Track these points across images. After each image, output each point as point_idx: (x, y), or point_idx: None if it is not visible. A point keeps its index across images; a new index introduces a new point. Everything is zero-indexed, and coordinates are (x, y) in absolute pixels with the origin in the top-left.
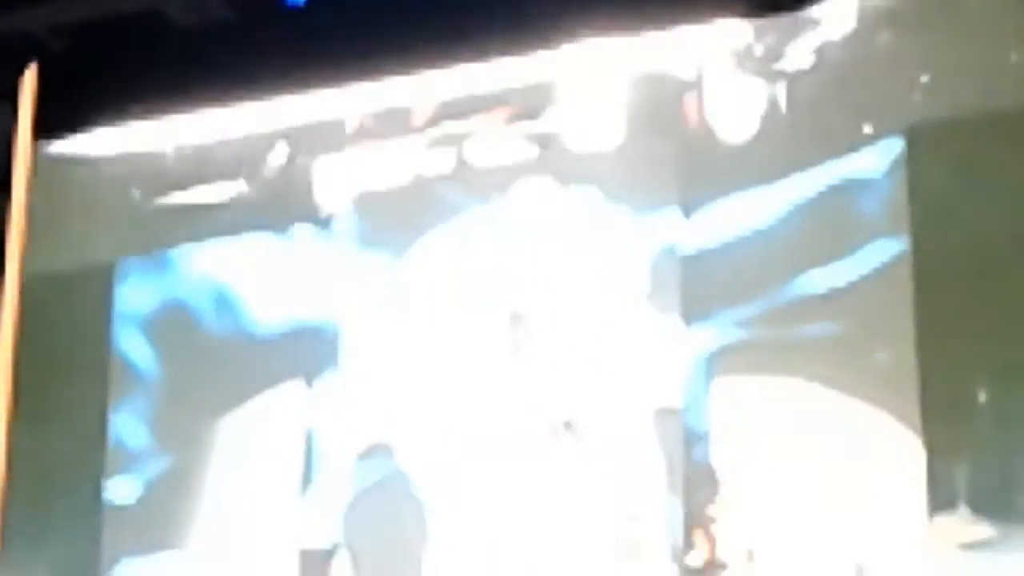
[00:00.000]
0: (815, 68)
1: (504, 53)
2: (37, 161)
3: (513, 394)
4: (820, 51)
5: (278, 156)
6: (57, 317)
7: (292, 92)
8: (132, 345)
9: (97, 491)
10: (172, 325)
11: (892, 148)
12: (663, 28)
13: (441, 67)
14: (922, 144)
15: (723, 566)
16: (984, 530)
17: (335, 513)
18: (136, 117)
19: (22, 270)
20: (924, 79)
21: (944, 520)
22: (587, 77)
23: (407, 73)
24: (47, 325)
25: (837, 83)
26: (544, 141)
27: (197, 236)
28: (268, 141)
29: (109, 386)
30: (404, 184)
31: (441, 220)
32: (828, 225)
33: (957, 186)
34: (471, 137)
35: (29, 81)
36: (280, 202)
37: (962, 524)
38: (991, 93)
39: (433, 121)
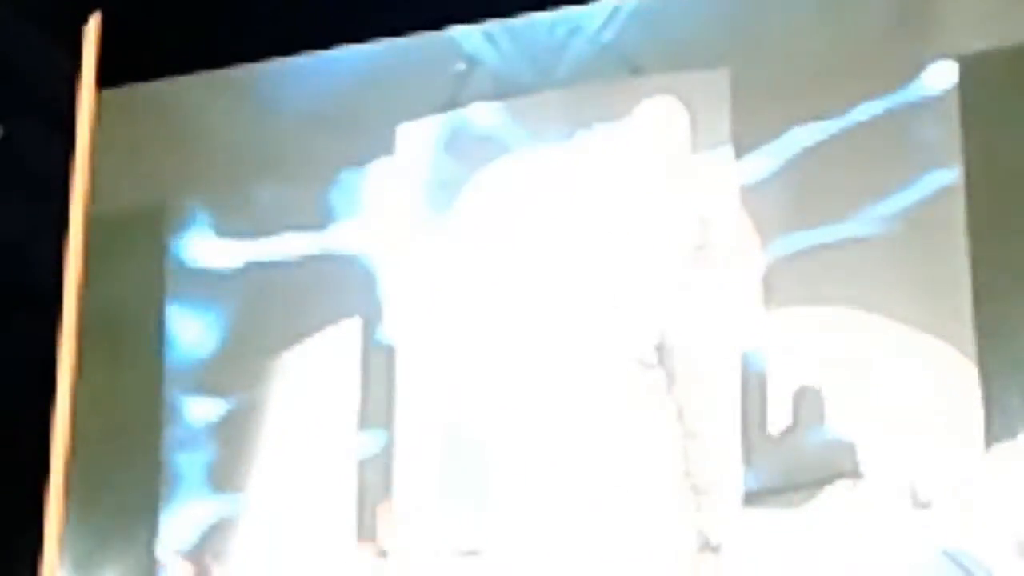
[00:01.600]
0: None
1: None
2: (102, 108)
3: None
4: None
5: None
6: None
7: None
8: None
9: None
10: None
11: (948, 76)
12: None
13: None
14: (977, 72)
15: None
16: None
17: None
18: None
19: (87, 216)
20: (976, 7)
21: (1002, 447)
22: None
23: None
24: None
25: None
26: None
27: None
28: None
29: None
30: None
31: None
32: (881, 154)
33: (1011, 114)
34: None
35: (93, 29)
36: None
37: (1021, 452)
38: None
39: None
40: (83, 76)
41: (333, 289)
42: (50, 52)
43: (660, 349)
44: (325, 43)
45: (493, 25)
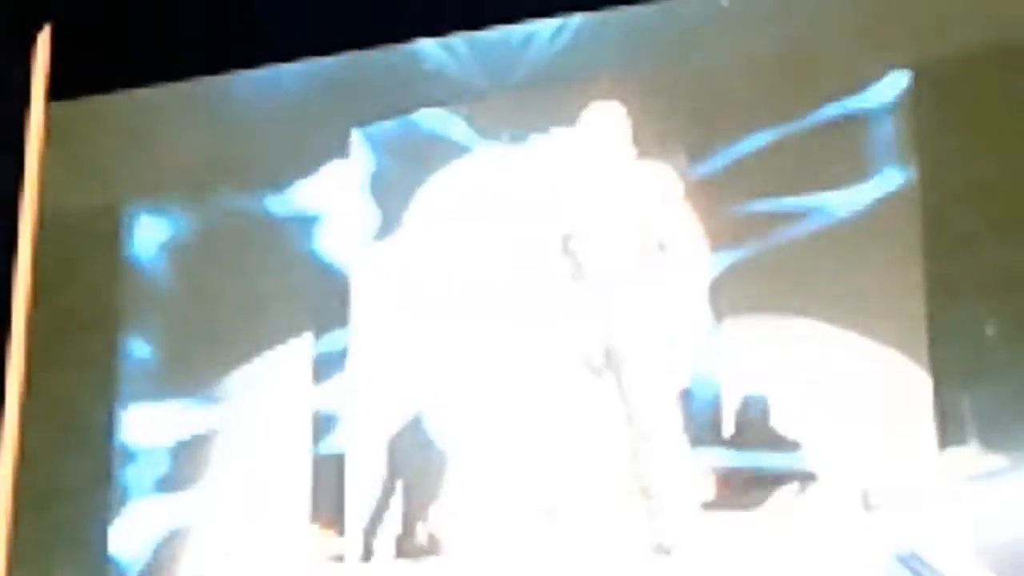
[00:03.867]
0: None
1: None
2: (52, 121)
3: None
4: None
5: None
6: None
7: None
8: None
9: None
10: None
11: (901, 83)
12: None
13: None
14: (930, 79)
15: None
16: (994, 461)
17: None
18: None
19: (37, 227)
20: (932, 13)
21: (954, 452)
22: None
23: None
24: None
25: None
26: None
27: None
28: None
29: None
30: None
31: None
32: (835, 160)
33: (964, 121)
34: None
35: (43, 42)
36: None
37: (972, 456)
38: (1000, 28)
39: None
40: (33, 88)
41: (289, 295)
42: (0, 65)
43: (609, 354)
44: (279, 55)
45: (451, 37)
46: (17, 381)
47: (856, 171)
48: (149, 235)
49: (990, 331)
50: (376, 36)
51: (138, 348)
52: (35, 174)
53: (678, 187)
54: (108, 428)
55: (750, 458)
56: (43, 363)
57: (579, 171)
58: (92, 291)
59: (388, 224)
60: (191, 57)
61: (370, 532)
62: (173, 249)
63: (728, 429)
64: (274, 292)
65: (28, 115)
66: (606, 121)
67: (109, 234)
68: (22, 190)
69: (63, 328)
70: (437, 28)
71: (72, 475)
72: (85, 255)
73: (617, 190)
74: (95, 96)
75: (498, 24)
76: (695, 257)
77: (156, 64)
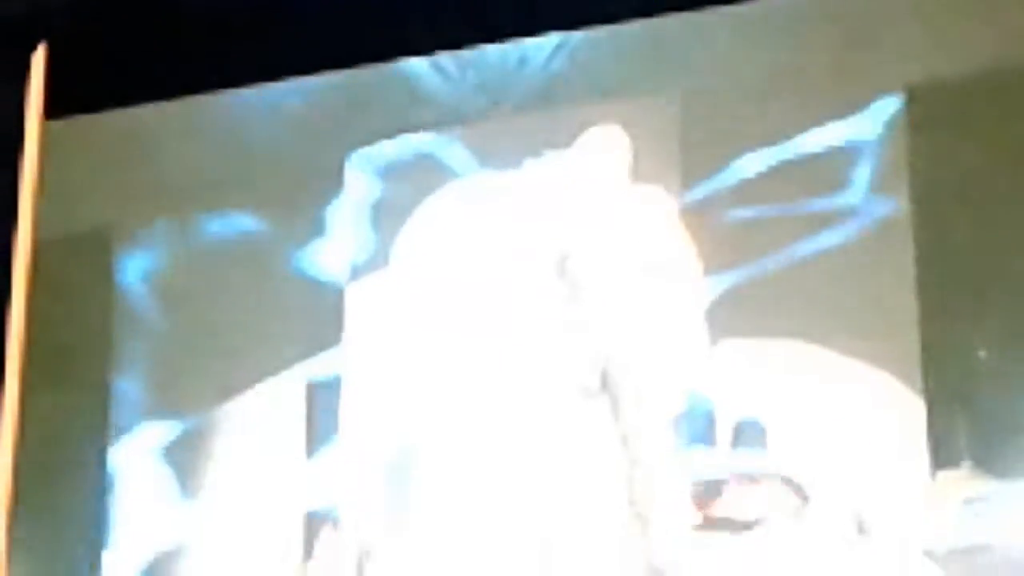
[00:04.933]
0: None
1: None
2: (48, 139)
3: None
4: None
5: None
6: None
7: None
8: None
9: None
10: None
11: (893, 105)
12: None
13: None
14: (923, 102)
15: (731, 526)
16: (987, 484)
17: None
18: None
19: (34, 247)
20: (923, 37)
21: (947, 475)
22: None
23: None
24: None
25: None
26: None
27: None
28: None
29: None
30: None
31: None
32: (827, 185)
33: (957, 144)
34: None
35: (39, 60)
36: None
37: (965, 479)
38: (992, 51)
39: None
40: (30, 106)
41: (281, 317)
42: None
43: (604, 376)
44: (275, 74)
45: (443, 56)
46: (12, 406)
47: (848, 195)
48: (142, 254)
49: (983, 354)
50: (373, 54)
51: (129, 373)
52: (32, 191)
53: (673, 210)
54: (104, 444)
55: (743, 480)
56: (36, 386)
57: (575, 194)
58: (85, 308)
59: (382, 248)
60: (187, 76)
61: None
62: (162, 271)
63: (722, 451)
64: (267, 316)
65: (26, 133)
66: (605, 144)
67: (103, 252)
68: (16, 211)
69: (54, 350)
70: (434, 47)
71: (68, 492)
72: (79, 274)
73: (613, 213)
74: (91, 115)
75: (494, 41)
76: (690, 281)
77: (151, 83)
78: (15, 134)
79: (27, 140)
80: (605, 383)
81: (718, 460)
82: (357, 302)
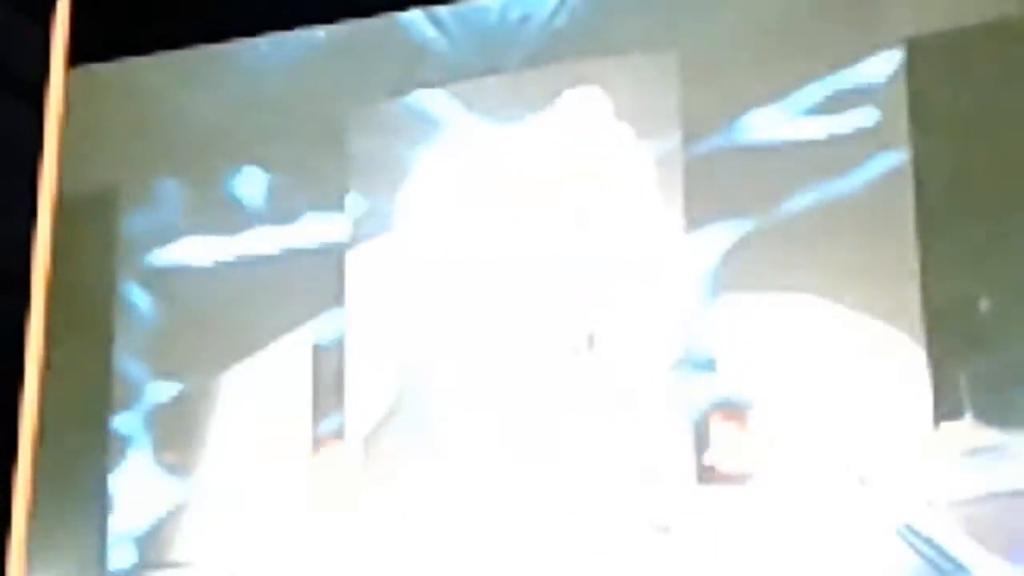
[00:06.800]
0: None
1: None
2: (72, 85)
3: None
4: None
5: None
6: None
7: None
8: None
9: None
10: None
11: (894, 57)
12: None
13: None
14: (924, 54)
15: (732, 479)
16: (990, 436)
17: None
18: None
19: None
20: None
21: (949, 427)
22: None
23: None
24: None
25: None
26: None
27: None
28: None
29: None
30: None
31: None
32: (828, 138)
33: (958, 96)
34: None
35: (64, 6)
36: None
37: (967, 430)
38: (994, 3)
39: None
40: (54, 53)
41: (290, 279)
42: (21, 29)
43: (597, 336)
44: (285, 24)
45: (442, 10)
46: (37, 358)
47: (851, 149)
48: (158, 210)
49: (984, 306)
50: (370, 7)
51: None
52: (56, 139)
53: (676, 168)
54: (112, 401)
55: (746, 432)
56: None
57: (567, 153)
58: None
59: (380, 208)
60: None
61: None
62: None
63: (723, 405)
64: (270, 279)
65: (51, 80)
66: (587, 107)
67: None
68: (43, 154)
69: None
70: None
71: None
72: (95, 226)
73: (601, 172)
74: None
75: None
76: (684, 236)
77: (162, 33)
78: (41, 80)
79: (52, 87)
80: (602, 341)
81: (718, 413)
82: (356, 261)
